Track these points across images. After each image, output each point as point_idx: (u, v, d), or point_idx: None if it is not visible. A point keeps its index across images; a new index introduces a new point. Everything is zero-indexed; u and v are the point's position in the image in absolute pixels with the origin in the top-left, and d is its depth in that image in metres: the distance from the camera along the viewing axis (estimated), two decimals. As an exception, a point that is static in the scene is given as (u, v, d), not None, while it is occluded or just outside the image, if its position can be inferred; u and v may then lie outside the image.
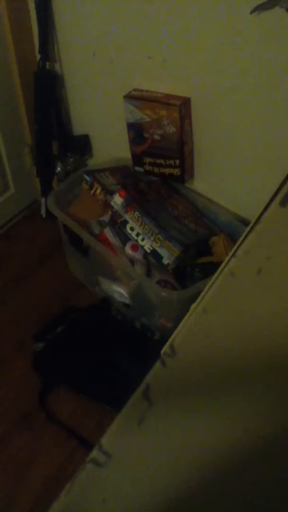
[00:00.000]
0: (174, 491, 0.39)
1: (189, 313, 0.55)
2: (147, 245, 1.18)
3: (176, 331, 0.53)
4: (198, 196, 1.36)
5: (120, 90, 1.25)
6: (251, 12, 0.93)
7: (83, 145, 1.57)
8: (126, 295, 1.32)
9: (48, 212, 1.46)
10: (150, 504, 0.39)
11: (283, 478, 0.38)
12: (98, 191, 1.32)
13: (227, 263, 0.44)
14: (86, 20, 1.26)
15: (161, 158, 1.28)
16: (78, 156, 1.57)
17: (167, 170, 1.30)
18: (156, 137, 1.24)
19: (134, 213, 1.19)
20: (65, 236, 1.44)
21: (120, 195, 1.21)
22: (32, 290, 1.53)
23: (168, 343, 0.52)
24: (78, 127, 1.56)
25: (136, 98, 1.22)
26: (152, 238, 1.17)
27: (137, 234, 1.20)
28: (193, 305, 0.56)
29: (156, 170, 1.32)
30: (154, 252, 1.18)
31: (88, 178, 1.34)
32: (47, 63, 1.39)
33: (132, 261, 1.22)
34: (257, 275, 0.41)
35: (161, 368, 0.42)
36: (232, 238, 1.25)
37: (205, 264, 1.23)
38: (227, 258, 0.52)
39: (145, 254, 1.22)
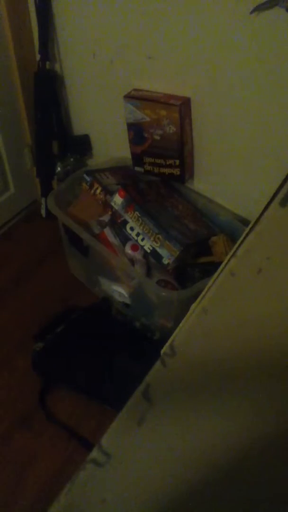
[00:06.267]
0: (174, 490, 0.39)
1: (189, 313, 0.55)
2: (147, 245, 1.18)
3: (176, 331, 0.53)
4: (198, 196, 1.36)
5: (120, 90, 1.25)
6: (251, 12, 0.93)
7: (83, 145, 1.57)
8: (126, 295, 1.32)
9: (48, 212, 1.46)
10: (150, 504, 0.39)
11: (284, 478, 0.38)
12: (98, 191, 1.32)
13: (227, 263, 0.44)
14: (86, 20, 1.26)
15: (161, 158, 1.28)
16: (78, 156, 1.57)
17: (167, 170, 1.30)
18: (156, 137, 1.24)
19: (134, 213, 1.19)
20: (65, 236, 1.43)
21: (120, 195, 1.21)
22: (32, 290, 1.53)
23: (168, 343, 0.52)
24: (78, 127, 1.56)
25: (136, 98, 1.22)
26: (152, 238, 1.17)
27: (137, 234, 1.20)
28: (193, 305, 0.56)
29: (156, 170, 1.32)
30: (154, 252, 1.18)
31: (88, 178, 1.34)
32: (47, 63, 1.39)
33: (132, 261, 1.22)
34: (257, 275, 0.41)
35: (161, 368, 0.42)
36: (232, 238, 1.25)
37: (205, 264, 1.23)
38: (227, 258, 0.52)
39: (145, 254, 1.22)
